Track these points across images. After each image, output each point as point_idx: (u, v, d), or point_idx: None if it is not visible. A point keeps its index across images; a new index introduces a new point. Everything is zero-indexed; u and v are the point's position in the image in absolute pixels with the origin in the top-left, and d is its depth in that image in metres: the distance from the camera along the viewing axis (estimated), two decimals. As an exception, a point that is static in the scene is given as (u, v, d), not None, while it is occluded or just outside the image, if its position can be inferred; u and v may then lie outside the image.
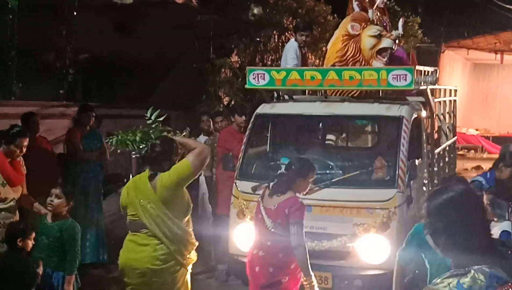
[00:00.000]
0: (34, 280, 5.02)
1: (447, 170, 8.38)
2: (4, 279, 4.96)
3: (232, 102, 12.66)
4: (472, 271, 2.19)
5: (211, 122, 9.00)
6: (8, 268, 5.08)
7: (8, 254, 5.24)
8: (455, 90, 9.74)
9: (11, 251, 5.20)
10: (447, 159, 8.49)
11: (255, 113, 6.91)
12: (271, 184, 5.08)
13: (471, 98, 20.06)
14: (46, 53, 11.33)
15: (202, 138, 9.11)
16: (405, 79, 6.23)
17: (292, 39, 8.00)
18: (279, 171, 5.85)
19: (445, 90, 8.95)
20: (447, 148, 8.57)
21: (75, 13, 11.46)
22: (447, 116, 8.91)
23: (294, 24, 10.98)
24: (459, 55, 19.76)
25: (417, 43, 15.97)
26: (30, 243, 5.21)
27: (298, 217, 4.85)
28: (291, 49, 7.76)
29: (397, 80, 6.27)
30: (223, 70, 12.52)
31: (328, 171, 6.41)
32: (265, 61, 12.87)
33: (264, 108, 6.95)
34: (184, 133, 5.03)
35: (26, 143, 6.13)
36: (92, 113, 7.80)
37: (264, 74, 6.76)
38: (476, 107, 20.04)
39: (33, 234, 5.26)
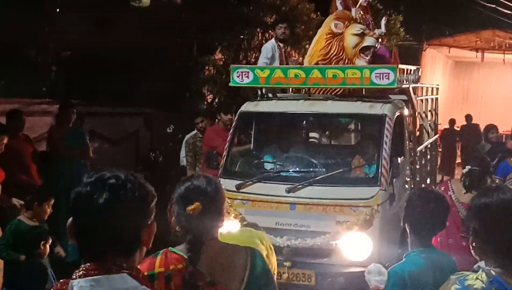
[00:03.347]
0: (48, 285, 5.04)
1: (429, 168, 8.45)
2: (24, 282, 4.96)
3: (216, 100, 12.66)
4: (480, 271, 2.24)
5: (206, 122, 9.11)
6: (28, 273, 5.07)
7: (29, 258, 5.20)
8: (437, 88, 9.82)
9: (31, 256, 5.18)
10: (429, 156, 8.57)
11: (239, 111, 6.93)
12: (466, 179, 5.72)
13: (452, 96, 20.25)
14: (28, 49, 11.23)
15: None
16: (388, 78, 6.28)
17: (271, 40, 8.02)
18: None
19: (427, 88, 9.02)
20: (429, 145, 8.64)
21: (57, 10, 11.38)
22: (429, 114, 8.99)
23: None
24: (440, 53, 19.93)
25: (399, 41, 16.06)
26: (48, 249, 5.22)
27: None
28: (263, 50, 7.83)
29: (380, 79, 6.33)
30: (206, 67, 12.51)
31: (311, 169, 6.45)
32: (248, 59, 12.87)
33: (248, 106, 6.96)
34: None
35: (5, 141, 6.08)
36: (73, 110, 7.76)
37: (248, 72, 6.78)
38: (457, 104, 20.22)
39: (51, 241, 5.28)
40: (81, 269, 1.77)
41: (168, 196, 2.74)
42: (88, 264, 1.77)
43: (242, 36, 12.75)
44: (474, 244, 2.33)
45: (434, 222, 3.39)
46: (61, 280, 1.83)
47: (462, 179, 5.88)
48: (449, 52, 19.82)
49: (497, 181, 6.81)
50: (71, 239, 1.83)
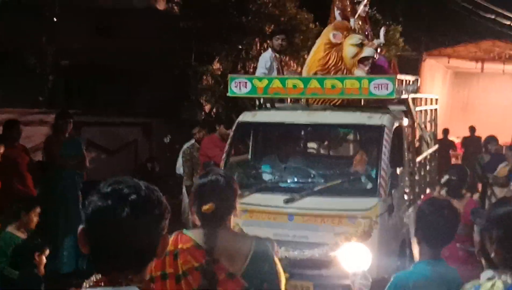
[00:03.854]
0: None
1: (428, 179, 8.40)
2: None
3: (214, 110, 12.63)
4: (496, 278, 2.26)
5: (203, 132, 9.09)
6: (23, 284, 5.01)
7: (24, 269, 5.14)
8: (436, 99, 9.78)
9: (26, 266, 5.12)
10: (428, 167, 8.51)
11: (237, 121, 6.88)
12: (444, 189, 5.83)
13: (452, 106, 20.22)
14: (26, 58, 11.21)
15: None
16: (387, 88, 6.24)
17: (268, 50, 7.99)
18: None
19: (426, 99, 8.99)
20: (429, 156, 8.59)
21: (56, 18, 11.36)
22: (428, 124, 8.95)
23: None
24: (440, 64, 19.90)
25: (398, 52, 16.04)
26: (44, 260, 5.16)
27: None
28: (262, 60, 7.79)
29: (378, 89, 6.28)
30: (204, 77, 12.48)
31: (310, 180, 6.40)
32: (247, 69, 12.84)
33: (245, 116, 6.92)
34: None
35: (1, 150, 6.05)
36: (69, 120, 7.73)
37: (246, 82, 6.74)
38: (457, 115, 20.17)
39: (48, 252, 5.22)
40: (91, 279, 1.82)
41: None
42: (100, 275, 1.79)
43: (240, 46, 12.73)
44: (494, 254, 2.33)
45: (446, 232, 3.37)
46: (71, 289, 1.87)
47: (442, 188, 6.03)
48: (448, 63, 19.80)
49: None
50: (82, 248, 1.81)
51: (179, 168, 9.52)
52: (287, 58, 12.89)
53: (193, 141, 9.34)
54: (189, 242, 2.92)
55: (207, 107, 12.68)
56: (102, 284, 1.75)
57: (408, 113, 7.21)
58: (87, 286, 1.78)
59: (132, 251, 1.78)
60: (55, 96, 11.01)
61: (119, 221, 1.75)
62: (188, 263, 2.88)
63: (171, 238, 2.86)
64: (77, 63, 11.12)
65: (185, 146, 9.43)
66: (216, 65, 12.91)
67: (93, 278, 1.79)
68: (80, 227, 1.80)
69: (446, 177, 6.01)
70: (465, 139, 15.32)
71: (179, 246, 2.90)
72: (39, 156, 8.53)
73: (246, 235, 3.15)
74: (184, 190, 9.17)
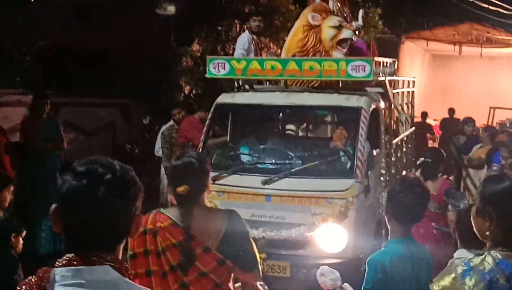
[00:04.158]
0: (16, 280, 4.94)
1: (405, 160, 8.49)
2: None
3: (194, 92, 12.59)
4: (486, 253, 2.27)
5: (183, 113, 9.05)
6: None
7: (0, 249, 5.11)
8: (413, 81, 9.85)
9: (2, 247, 5.09)
10: (405, 149, 8.60)
11: (215, 103, 6.89)
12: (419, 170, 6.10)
13: (430, 89, 20.31)
14: (3, 39, 11.06)
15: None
16: (364, 70, 6.29)
17: (246, 32, 7.98)
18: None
19: (403, 81, 9.05)
20: (405, 138, 8.68)
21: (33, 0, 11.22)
22: (405, 107, 9.02)
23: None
24: (418, 46, 19.96)
25: (377, 34, 16.08)
26: (21, 241, 5.12)
27: None
28: (239, 42, 7.79)
29: (356, 71, 6.33)
30: (184, 58, 12.42)
31: (287, 161, 6.45)
32: (226, 50, 12.79)
33: (224, 98, 6.92)
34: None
35: None
36: (46, 101, 7.66)
37: (224, 63, 6.74)
38: (435, 97, 20.30)
39: (24, 233, 5.18)
40: (64, 258, 1.77)
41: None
42: (72, 254, 1.77)
43: (220, 28, 12.67)
44: (489, 231, 2.32)
45: (416, 210, 3.40)
46: (43, 268, 1.83)
47: (417, 169, 6.28)
48: (427, 46, 19.87)
49: (494, 168, 7.01)
50: (54, 227, 1.82)
51: (158, 150, 9.50)
52: (267, 40, 12.87)
53: (172, 122, 9.31)
54: (166, 220, 3.10)
55: (186, 89, 12.63)
56: (75, 263, 1.75)
57: (385, 95, 7.26)
58: (60, 265, 1.77)
59: (105, 230, 1.79)
60: (32, 77, 10.89)
61: (94, 201, 1.75)
62: (166, 240, 3.06)
63: (150, 217, 3.10)
64: (55, 44, 11.00)
65: (164, 128, 9.40)
66: (196, 47, 12.85)
67: (65, 257, 1.78)
68: (54, 205, 1.80)
69: (421, 159, 6.17)
70: (443, 121, 15.45)
71: (158, 224, 3.09)
72: (17, 137, 8.46)
73: (218, 209, 3.42)
74: (162, 171, 9.17)
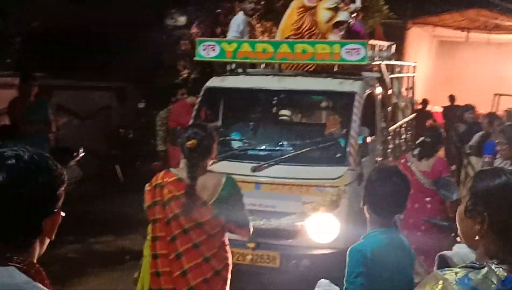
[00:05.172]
0: None
1: (403, 148, 8.24)
2: None
3: (192, 76, 12.36)
4: (487, 269, 1.87)
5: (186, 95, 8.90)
6: None
7: None
8: (414, 66, 9.58)
9: None
10: (404, 136, 8.36)
11: (205, 86, 6.66)
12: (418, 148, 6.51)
13: (437, 75, 20.06)
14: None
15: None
16: (358, 54, 6.05)
17: (240, 13, 7.74)
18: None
19: (403, 66, 8.79)
20: (404, 125, 8.43)
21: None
22: (405, 92, 8.76)
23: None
24: (425, 32, 19.68)
25: (382, 19, 15.74)
26: None
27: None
28: (234, 24, 7.56)
29: (350, 55, 6.09)
30: (181, 42, 12.19)
31: (278, 148, 6.23)
32: (226, 34, 12.54)
33: (214, 82, 6.70)
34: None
35: None
36: (33, 82, 7.49)
37: (214, 45, 6.52)
38: (442, 83, 20.02)
39: None
40: None
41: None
42: None
43: (219, 10, 12.41)
44: (478, 229, 1.94)
45: (395, 200, 3.18)
46: None
47: (416, 148, 6.54)
48: (434, 31, 19.59)
49: (486, 159, 6.84)
50: None
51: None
52: (269, 24, 12.61)
53: (170, 107, 9.12)
54: (173, 176, 3.80)
55: (184, 73, 12.40)
56: None
57: (382, 80, 7.02)
58: None
59: (11, 226, 1.58)
60: (23, 59, 10.68)
61: None
62: (171, 192, 3.73)
63: (160, 174, 3.83)
64: (48, 25, 10.78)
65: (162, 111, 9.23)
66: (194, 30, 12.59)
67: None
68: None
69: (421, 138, 6.31)
70: (445, 109, 15.17)
71: (165, 179, 3.79)
72: (5, 120, 8.30)
73: (219, 173, 3.89)
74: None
